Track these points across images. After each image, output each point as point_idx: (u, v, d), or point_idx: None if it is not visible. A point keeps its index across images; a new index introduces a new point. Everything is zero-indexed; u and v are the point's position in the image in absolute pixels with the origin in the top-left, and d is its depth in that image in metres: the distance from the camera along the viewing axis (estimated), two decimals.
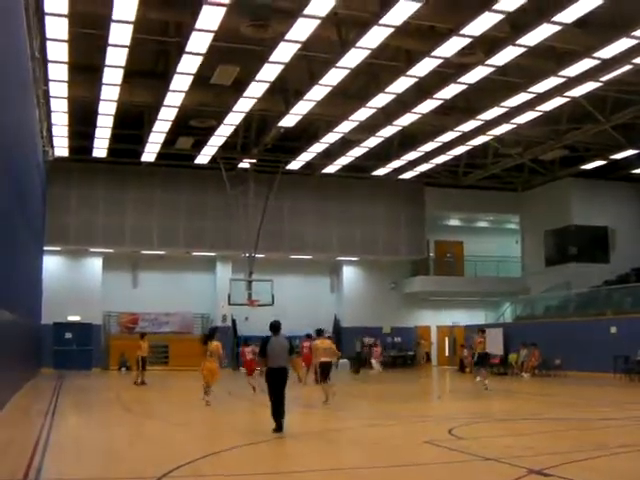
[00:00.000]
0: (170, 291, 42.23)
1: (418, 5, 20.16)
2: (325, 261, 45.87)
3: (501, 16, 20.97)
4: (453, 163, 40.40)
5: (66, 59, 23.83)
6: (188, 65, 24.66)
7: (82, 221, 39.25)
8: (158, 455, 11.77)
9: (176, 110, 29.72)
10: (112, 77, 25.75)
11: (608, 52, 23.81)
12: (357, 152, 37.10)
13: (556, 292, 42.44)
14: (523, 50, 23.49)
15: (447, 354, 47.25)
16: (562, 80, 26.56)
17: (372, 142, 35.09)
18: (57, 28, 21.28)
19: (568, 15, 20.90)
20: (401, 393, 27.51)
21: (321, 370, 20.62)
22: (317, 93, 27.77)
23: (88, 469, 10.70)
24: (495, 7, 20.35)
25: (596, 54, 24.00)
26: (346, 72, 25.47)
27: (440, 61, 24.47)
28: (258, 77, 26.06)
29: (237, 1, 20.67)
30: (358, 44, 22.90)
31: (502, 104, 29.43)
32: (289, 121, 31.59)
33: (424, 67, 25.03)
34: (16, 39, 17.59)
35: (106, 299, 41.24)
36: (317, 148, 36.37)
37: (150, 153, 36.49)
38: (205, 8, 20.35)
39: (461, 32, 22.00)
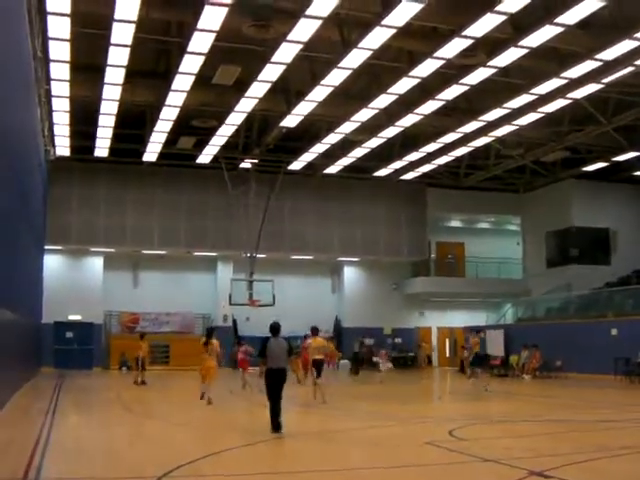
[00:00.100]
0: (171, 291, 42.27)
1: (420, 6, 20.14)
2: (326, 261, 45.86)
3: (503, 17, 20.97)
4: (454, 164, 40.43)
5: (68, 58, 23.82)
6: (190, 65, 24.66)
7: (83, 220, 39.28)
8: (158, 455, 11.77)
9: (178, 110, 29.72)
10: (114, 77, 25.75)
11: (610, 54, 23.81)
12: (359, 153, 37.11)
13: (557, 294, 42.41)
14: (525, 51, 23.49)
15: (448, 355, 47.24)
16: (564, 82, 26.56)
17: (374, 143, 35.09)
18: (59, 27, 21.28)
19: (570, 17, 20.90)
20: (401, 394, 27.48)
21: (314, 367, 21.01)
22: (319, 93, 27.77)
23: (88, 468, 10.69)
24: (497, 8, 20.33)
25: (598, 56, 24.00)
26: (348, 73, 25.48)
27: (442, 62, 24.48)
28: (260, 77, 26.07)
29: (239, 1, 20.67)
30: (360, 45, 22.89)
31: (504, 105, 29.42)
32: (291, 121, 31.59)
33: (426, 68, 25.05)
34: (18, 38, 17.59)
35: (107, 298, 41.28)
36: (319, 148, 36.36)
37: (152, 153, 36.50)
38: (207, 8, 20.36)
39: (463, 33, 22.00)
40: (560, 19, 21.01)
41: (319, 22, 21.33)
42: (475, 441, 13.74)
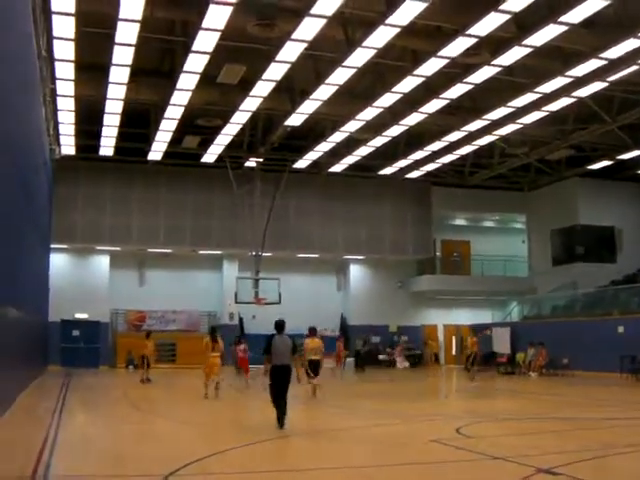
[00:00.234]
0: (177, 289, 42.34)
1: (424, 5, 20.16)
2: (331, 260, 45.88)
3: (507, 16, 20.97)
4: (459, 163, 40.43)
5: (73, 58, 23.88)
6: (194, 64, 24.70)
7: (89, 219, 39.41)
8: (165, 453, 11.79)
9: (182, 109, 29.76)
10: (119, 76, 25.80)
11: (614, 52, 23.79)
12: (363, 151, 37.12)
13: (563, 292, 42.41)
14: (529, 50, 23.48)
15: (454, 353, 47.25)
16: (568, 80, 26.54)
17: (378, 141, 35.11)
18: (64, 27, 21.33)
19: (574, 15, 20.89)
20: (407, 392, 27.52)
21: (311, 367, 21.05)
22: (323, 92, 27.80)
23: (96, 466, 10.72)
24: (501, 7, 20.34)
25: (603, 54, 23.99)
26: (352, 71, 25.51)
27: (446, 61, 24.48)
28: (264, 76, 26.11)
29: (243, 0, 20.70)
30: (364, 43, 22.92)
31: (508, 104, 29.42)
32: (295, 120, 31.65)
33: (430, 67, 25.06)
34: (23, 37, 17.64)
35: (113, 297, 41.37)
36: (323, 147, 36.40)
37: (157, 152, 36.57)
38: (212, 7, 20.38)
39: (467, 32, 22.00)
40: (564, 18, 21.01)
41: (323, 21, 21.38)
42: (482, 439, 13.75)
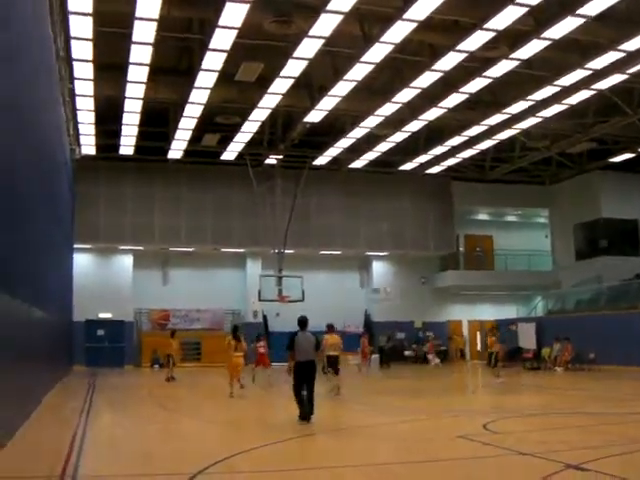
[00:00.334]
0: (200, 288, 42.41)
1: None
2: (354, 256, 45.86)
3: (525, 9, 20.90)
4: (480, 157, 40.28)
5: (91, 57, 24.02)
6: (212, 62, 24.77)
7: (111, 219, 39.62)
8: (193, 452, 11.79)
9: (201, 107, 29.85)
10: (137, 75, 25.92)
11: (633, 44, 23.63)
12: (383, 147, 37.06)
13: (587, 286, 42.14)
14: (548, 43, 23.37)
15: (479, 348, 47.09)
16: (588, 73, 26.38)
17: (398, 137, 35.05)
18: (81, 27, 21.46)
19: (592, 8, 20.82)
20: (433, 388, 27.38)
21: (329, 363, 21.10)
22: (342, 88, 27.79)
23: (124, 466, 10.72)
24: (518, 1, 20.31)
25: (621, 46, 23.85)
26: (370, 67, 25.50)
27: (464, 55, 24.41)
28: (282, 73, 26.14)
29: None
30: (382, 39, 22.90)
31: (528, 97, 29.28)
32: (315, 117, 31.65)
33: (449, 61, 24.99)
34: (42, 38, 17.74)
35: (137, 296, 41.57)
36: (343, 143, 36.39)
37: (176, 150, 36.73)
38: (228, 5, 20.44)
39: (485, 26, 21.95)
40: (582, 10, 20.94)
41: (340, 17, 21.37)
42: (509, 434, 13.63)
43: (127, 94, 28.05)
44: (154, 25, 21.48)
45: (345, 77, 26.52)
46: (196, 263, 43.25)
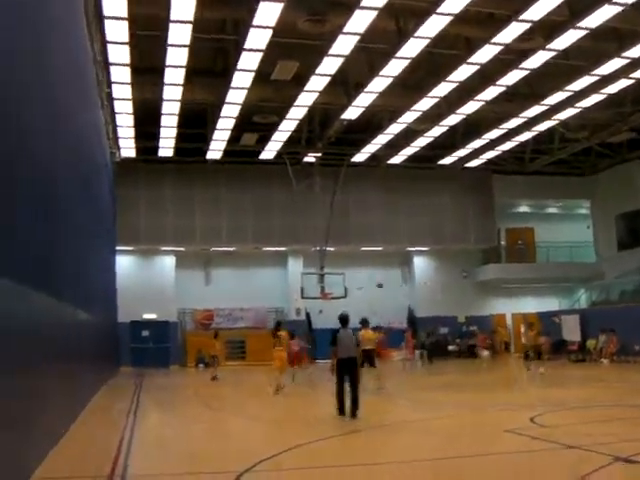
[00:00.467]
0: (243, 287, 42.53)
1: None
2: (395, 252, 45.81)
3: (559, 0, 20.75)
4: (519, 149, 39.97)
5: (128, 61, 24.29)
6: (248, 62, 24.90)
7: (152, 220, 40.02)
8: (239, 450, 11.90)
9: (239, 107, 30.02)
10: (174, 77, 26.15)
11: None
12: (422, 142, 36.99)
13: (631, 276, 41.72)
14: (584, 33, 23.13)
15: (523, 341, 46.70)
16: (625, 61, 26.08)
17: (436, 131, 34.95)
18: (117, 31, 21.70)
19: None
20: (478, 383, 27.25)
21: (365, 357, 21.17)
22: (378, 84, 27.76)
23: (171, 465, 10.86)
24: None
25: None
26: (406, 62, 25.41)
27: (500, 47, 24.26)
28: (318, 71, 26.21)
29: None
30: (417, 33, 22.84)
31: (566, 88, 29.02)
32: (352, 113, 31.65)
33: (485, 54, 24.85)
34: (77, 42, 17.96)
35: (180, 296, 41.86)
36: (381, 139, 36.33)
37: (215, 151, 36.98)
38: (262, 5, 20.54)
39: (520, 18, 21.81)
40: None
41: (374, 13, 21.37)
42: (556, 428, 13.56)
43: (165, 96, 28.30)
44: (189, 27, 21.66)
45: (381, 73, 26.48)
46: (238, 262, 43.47)
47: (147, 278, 41.36)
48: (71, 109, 15.62)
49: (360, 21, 21.89)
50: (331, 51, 24.28)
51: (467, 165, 41.95)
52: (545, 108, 31.59)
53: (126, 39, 22.29)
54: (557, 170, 44.01)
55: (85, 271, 19.00)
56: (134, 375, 33.48)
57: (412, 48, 24.08)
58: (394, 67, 25.88)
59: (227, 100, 28.95)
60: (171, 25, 21.48)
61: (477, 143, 37.62)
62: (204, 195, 40.90)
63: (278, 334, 22.84)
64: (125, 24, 21.17)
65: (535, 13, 21.47)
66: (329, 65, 25.68)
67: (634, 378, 26.66)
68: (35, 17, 10.58)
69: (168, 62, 24.67)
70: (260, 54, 24.20)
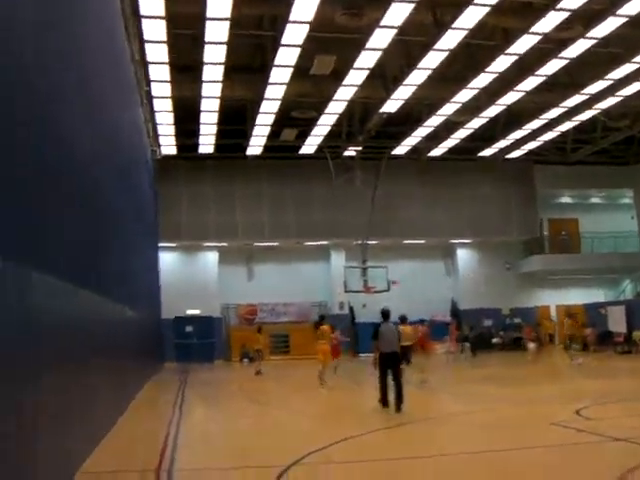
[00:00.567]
0: (285, 281, 42.72)
1: None
2: (438, 245, 45.67)
3: None
4: (560, 139, 39.52)
5: (166, 59, 24.48)
6: (286, 57, 24.93)
7: (193, 217, 40.29)
8: (286, 444, 12.01)
9: (278, 102, 30.11)
10: (212, 74, 26.25)
11: None
12: (462, 134, 36.79)
13: None
14: (624, 20, 22.78)
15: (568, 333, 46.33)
16: None
17: (476, 123, 34.73)
18: (155, 30, 21.88)
19: None
20: (522, 375, 27.09)
21: (402, 353, 21.29)
22: (416, 77, 27.63)
23: (218, 460, 11.01)
24: None
25: None
26: (444, 54, 25.26)
27: (539, 37, 23.98)
28: (356, 65, 26.15)
29: None
30: (454, 25, 22.68)
31: (607, 77, 28.57)
32: (391, 107, 31.58)
33: (523, 44, 24.58)
34: (116, 42, 18.18)
35: (223, 292, 42.11)
36: (421, 132, 36.17)
37: (255, 147, 37.11)
38: (298, 0, 20.58)
39: (558, 6, 21.57)
40: None
41: (411, 5, 21.30)
42: (602, 420, 13.51)
43: (204, 94, 28.45)
44: (226, 24, 21.77)
45: (419, 65, 26.36)
46: (280, 257, 43.62)
47: (190, 274, 41.62)
48: (111, 108, 15.81)
49: (397, 14, 21.80)
50: (369, 45, 24.22)
51: (508, 156, 41.62)
52: (586, 97, 31.20)
53: (164, 38, 22.48)
54: (599, 159, 43.49)
55: (129, 269, 19.25)
56: (178, 370, 33.79)
57: (450, 40, 23.90)
58: (432, 59, 25.75)
59: (266, 96, 29.04)
60: (208, 23, 21.61)
61: (518, 134, 37.29)
62: (245, 191, 41.06)
63: (320, 328, 23.01)
64: (163, 23, 21.35)
65: (574, 1, 21.23)
66: (367, 59, 25.63)
67: None
68: (72, 16, 10.75)
69: (206, 59, 24.80)
70: (298, 49, 24.26)
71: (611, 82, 29.20)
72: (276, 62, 25.37)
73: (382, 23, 22.43)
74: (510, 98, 30.82)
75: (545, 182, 44.55)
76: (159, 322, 35.64)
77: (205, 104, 29.83)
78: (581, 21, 23.18)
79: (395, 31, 23.14)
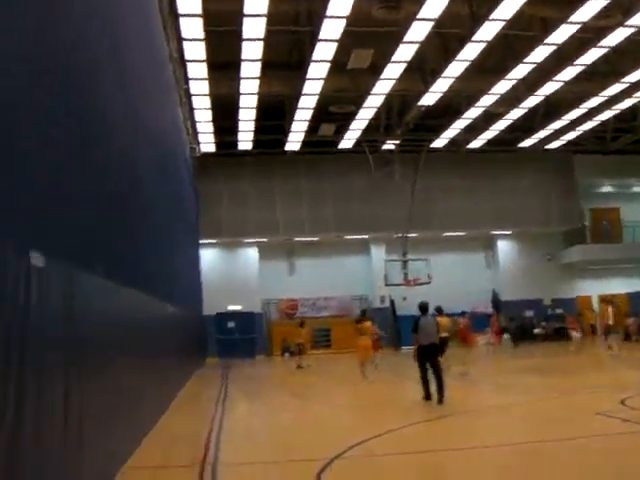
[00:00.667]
0: (326, 275, 42.72)
1: None
2: (478, 236, 45.45)
3: None
4: (600, 129, 39.15)
5: (204, 57, 24.70)
6: (323, 52, 25.05)
7: (233, 213, 40.53)
8: (328, 437, 12.08)
9: (315, 98, 30.24)
10: (250, 71, 26.49)
11: None
12: (501, 125, 36.62)
13: None
14: None
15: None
16: None
17: (515, 114, 34.56)
18: (192, 28, 22.12)
19: None
20: (565, 365, 26.93)
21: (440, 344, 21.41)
22: (455, 69, 27.61)
23: (262, 454, 11.12)
24: None
25: None
26: (482, 46, 25.22)
27: (577, 26, 23.87)
28: (394, 58, 26.18)
29: None
30: (492, 16, 22.67)
31: None
32: (429, 99, 31.55)
33: (562, 34, 24.47)
34: (154, 41, 18.35)
35: (264, 287, 42.22)
36: (460, 124, 36.11)
37: (293, 142, 37.28)
38: None
39: None
40: None
41: None
42: None
43: (242, 90, 28.68)
44: (263, 21, 21.93)
45: (457, 57, 26.34)
46: (320, 252, 43.68)
47: (231, 270, 41.88)
48: (151, 107, 15.98)
49: (434, 6, 21.84)
50: (406, 38, 24.25)
51: (548, 147, 41.35)
52: (626, 86, 30.93)
53: (201, 36, 22.69)
54: None
55: (171, 266, 19.44)
56: (221, 366, 34.00)
57: (487, 31, 23.89)
58: (470, 51, 25.71)
59: (304, 91, 29.18)
60: (245, 19, 21.80)
61: (557, 124, 37.03)
62: (284, 186, 41.24)
63: (363, 323, 23.11)
64: (200, 21, 21.57)
65: None
66: (404, 52, 25.64)
67: None
68: (115, 19, 10.92)
69: (244, 56, 25.01)
70: (335, 44, 24.34)
71: None
72: (313, 57, 25.49)
73: (419, 16, 22.48)
74: (549, 88, 30.66)
75: (585, 172, 44.16)
76: (201, 318, 35.91)
77: (243, 101, 30.04)
78: (620, 9, 23.03)
79: (432, 24, 23.16)
